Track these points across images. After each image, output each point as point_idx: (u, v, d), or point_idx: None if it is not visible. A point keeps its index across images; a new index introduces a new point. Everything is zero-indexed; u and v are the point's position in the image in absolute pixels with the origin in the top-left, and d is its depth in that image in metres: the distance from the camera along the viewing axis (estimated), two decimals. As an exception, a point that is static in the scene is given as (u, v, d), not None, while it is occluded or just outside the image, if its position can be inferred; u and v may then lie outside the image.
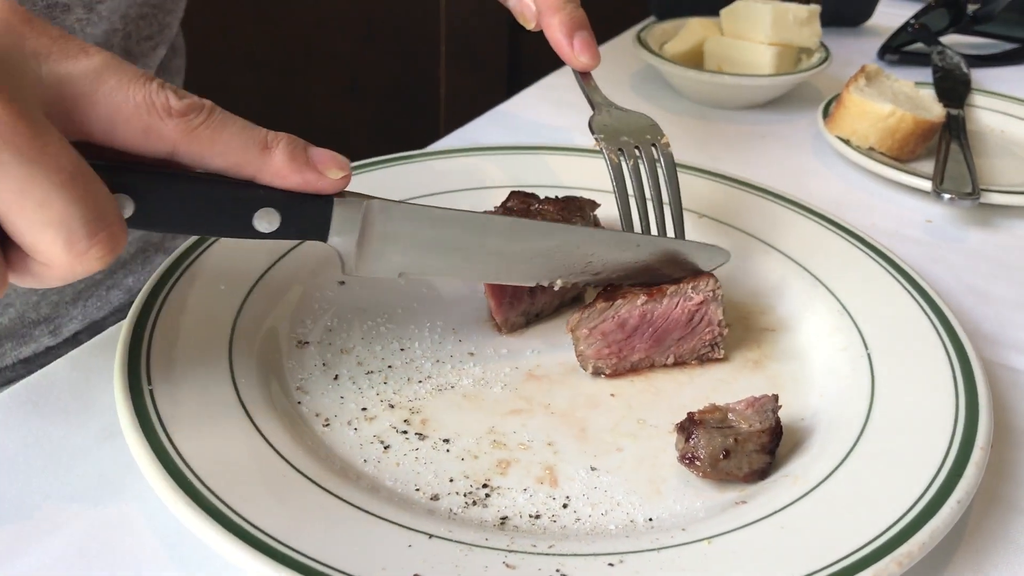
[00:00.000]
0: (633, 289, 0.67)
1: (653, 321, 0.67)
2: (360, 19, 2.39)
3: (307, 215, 0.56)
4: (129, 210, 0.50)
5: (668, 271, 0.69)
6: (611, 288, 0.67)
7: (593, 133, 0.72)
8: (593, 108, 0.74)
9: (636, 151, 0.71)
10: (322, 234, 0.57)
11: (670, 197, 0.70)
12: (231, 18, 2.22)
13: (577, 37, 0.72)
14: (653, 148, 0.71)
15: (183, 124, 0.49)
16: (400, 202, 0.60)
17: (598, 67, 0.75)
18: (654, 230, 0.70)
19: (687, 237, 0.71)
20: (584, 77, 0.76)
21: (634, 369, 0.68)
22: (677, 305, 0.67)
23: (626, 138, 0.72)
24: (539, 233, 0.64)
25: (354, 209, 0.57)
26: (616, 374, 0.68)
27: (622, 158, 0.70)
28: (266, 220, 0.54)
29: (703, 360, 0.69)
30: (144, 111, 0.48)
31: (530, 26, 0.75)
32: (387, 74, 2.48)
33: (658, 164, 0.71)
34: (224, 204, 0.53)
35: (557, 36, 0.72)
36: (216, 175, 0.52)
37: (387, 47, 2.44)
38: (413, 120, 2.50)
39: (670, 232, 0.70)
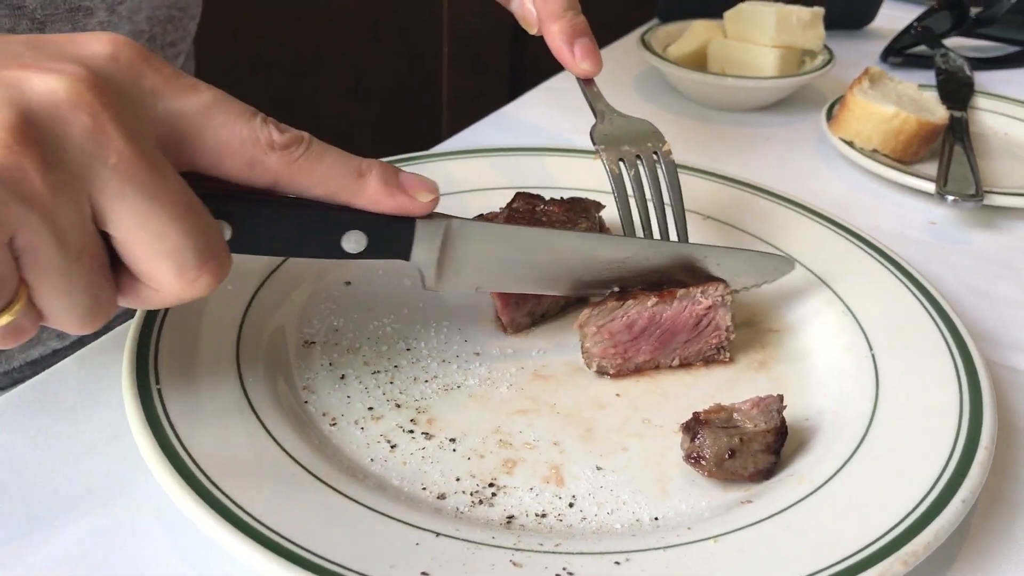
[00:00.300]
0: (644, 291, 0.67)
1: (661, 323, 0.67)
2: (366, 21, 2.40)
3: (392, 236, 0.59)
4: (228, 235, 0.53)
5: (739, 280, 0.71)
6: (623, 289, 0.68)
7: (595, 144, 0.72)
8: (596, 115, 0.74)
9: (637, 160, 0.71)
10: (405, 253, 0.60)
11: (672, 204, 0.70)
12: (238, 20, 2.23)
13: (578, 44, 0.73)
14: (655, 156, 0.71)
15: (285, 157, 0.52)
16: (476, 221, 0.63)
17: (601, 72, 0.75)
18: (656, 237, 0.70)
19: (691, 239, 0.71)
20: (587, 83, 0.76)
21: (638, 370, 0.68)
22: (686, 308, 0.67)
23: (627, 147, 0.71)
24: (611, 246, 0.66)
25: (435, 229, 0.60)
26: (620, 375, 0.68)
27: (623, 168, 0.70)
28: (354, 241, 0.57)
29: (708, 362, 0.69)
30: (249, 145, 0.51)
31: (533, 31, 0.75)
32: (391, 76, 2.48)
33: (659, 170, 0.71)
34: (315, 228, 0.56)
35: (558, 43, 0.73)
36: (307, 200, 0.55)
37: (392, 49, 2.45)
38: (416, 122, 2.51)
39: (673, 238, 0.71)
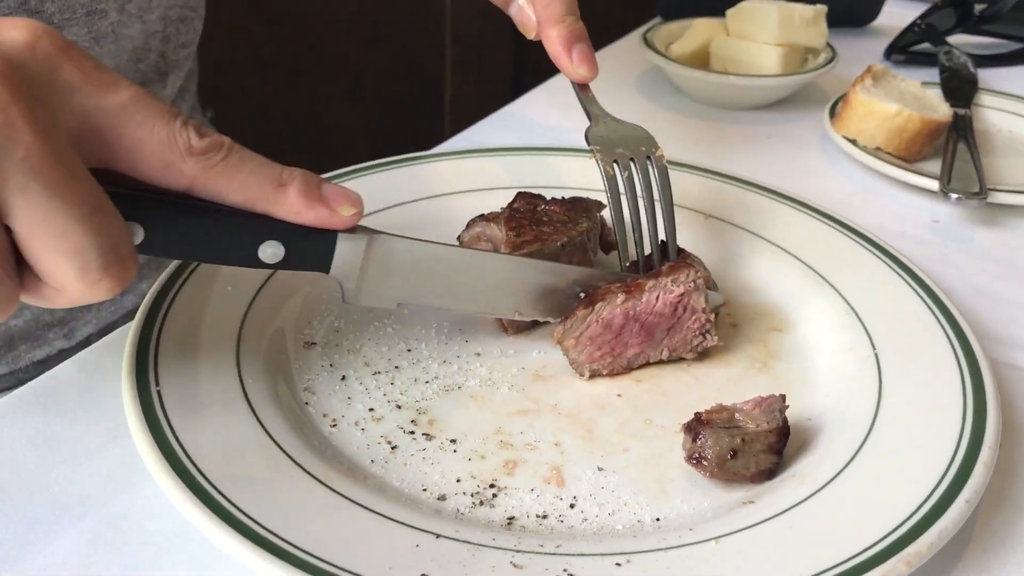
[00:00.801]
0: (612, 289, 0.67)
1: (637, 316, 0.66)
2: (365, 22, 2.39)
3: (311, 248, 0.58)
4: (139, 237, 0.52)
5: None
6: (589, 294, 0.67)
7: (589, 144, 0.72)
8: (590, 119, 0.75)
9: (631, 163, 0.71)
10: (325, 266, 0.59)
11: (663, 208, 0.70)
12: (237, 21, 2.23)
13: (576, 49, 0.73)
14: (648, 160, 0.71)
15: (202, 162, 0.51)
16: (402, 236, 0.62)
17: (598, 77, 0.75)
18: (647, 240, 0.70)
19: (691, 238, 0.71)
20: (582, 88, 0.77)
21: (631, 367, 0.68)
22: (658, 298, 0.67)
23: (621, 149, 0.71)
24: (540, 272, 0.66)
25: (357, 243, 0.59)
26: (614, 373, 0.68)
27: (617, 169, 0.70)
28: (270, 252, 0.56)
29: (698, 351, 0.69)
30: (166, 148, 0.50)
31: (531, 36, 0.76)
32: (392, 77, 2.48)
33: (652, 173, 0.71)
34: (230, 236, 0.55)
35: (556, 48, 0.73)
36: (224, 206, 0.54)
37: (392, 51, 2.45)
38: (417, 124, 2.50)
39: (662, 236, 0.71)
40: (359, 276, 0.61)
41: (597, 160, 0.71)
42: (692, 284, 0.67)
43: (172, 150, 0.50)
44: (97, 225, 0.46)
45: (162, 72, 0.84)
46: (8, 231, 0.45)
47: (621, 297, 0.66)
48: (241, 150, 0.53)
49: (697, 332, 0.68)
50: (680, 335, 0.68)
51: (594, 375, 0.67)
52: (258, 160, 0.53)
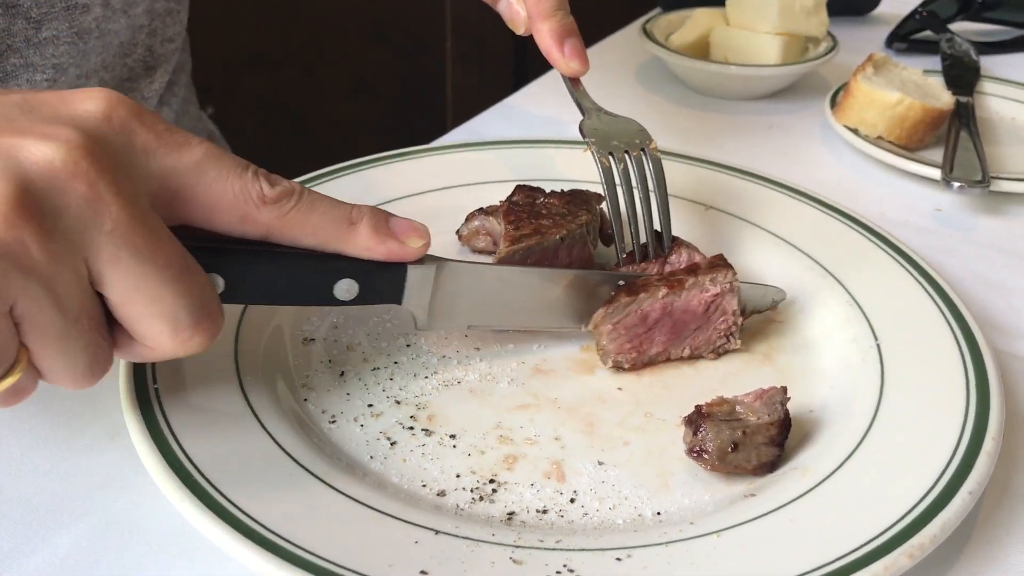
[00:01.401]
0: (652, 281, 0.67)
1: (672, 313, 0.66)
2: (368, 18, 2.39)
3: (384, 283, 0.60)
4: (220, 287, 0.54)
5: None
6: (630, 283, 0.67)
7: (584, 136, 0.72)
8: (583, 113, 0.75)
9: (626, 155, 0.71)
10: (397, 298, 0.61)
11: (659, 201, 0.70)
12: (240, 17, 2.22)
13: (567, 44, 0.73)
14: (642, 152, 0.71)
15: (276, 211, 0.52)
16: (465, 262, 0.64)
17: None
18: (642, 232, 0.70)
19: (692, 229, 0.71)
20: (574, 83, 0.77)
21: (651, 363, 0.68)
22: (695, 296, 0.66)
23: (616, 142, 0.72)
24: (598, 281, 0.67)
25: (426, 273, 0.61)
26: (634, 368, 0.67)
27: (612, 162, 0.70)
28: (345, 289, 0.58)
29: (719, 352, 0.68)
30: (241, 200, 0.51)
31: (520, 31, 0.76)
32: (394, 73, 2.47)
33: (646, 166, 0.71)
34: (306, 278, 0.57)
35: (547, 42, 0.73)
36: (298, 249, 0.55)
37: (395, 46, 2.44)
38: (420, 119, 2.50)
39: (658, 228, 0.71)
40: (430, 305, 0.62)
41: (592, 152, 0.70)
42: (728, 285, 0.67)
43: (247, 202, 0.51)
44: (185, 286, 0.48)
45: (149, 67, 0.84)
46: (101, 297, 0.47)
47: (663, 291, 0.66)
48: (311, 193, 0.54)
49: (723, 334, 0.68)
50: (705, 335, 0.68)
51: (616, 366, 0.67)
52: (328, 201, 0.55)
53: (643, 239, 0.70)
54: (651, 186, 0.70)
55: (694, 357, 0.68)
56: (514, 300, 0.66)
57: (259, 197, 0.51)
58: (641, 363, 0.67)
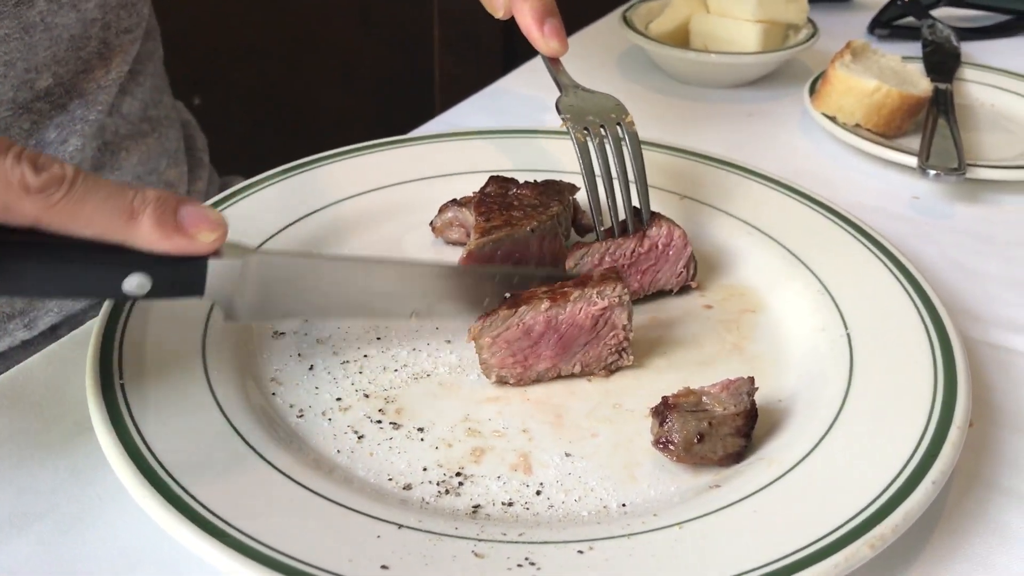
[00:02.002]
0: (537, 294, 0.64)
1: (558, 327, 0.64)
2: (355, 6, 2.38)
3: (180, 277, 0.54)
4: None
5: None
6: (515, 294, 0.65)
7: (560, 114, 0.72)
8: (560, 89, 0.75)
9: (602, 130, 0.71)
10: (198, 292, 0.56)
11: (636, 175, 0.70)
12: (227, 7, 2.21)
13: (547, 23, 0.74)
14: (619, 128, 0.72)
15: (41, 200, 0.48)
16: (282, 252, 0.59)
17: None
18: (620, 208, 0.70)
19: (667, 215, 0.71)
20: (553, 62, 0.78)
21: (539, 380, 0.65)
22: (582, 310, 0.64)
23: (592, 117, 0.72)
24: (429, 276, 0.65)
25: (230, 267, 0.56)
26: (522, 383, 0.65)
27: (588, 138, 0.70)
28: (136, 283, 0.52)
29: (611, 369, 0.66)
30: (1, 189, 0.47)
31: (499, 15, 0.76)
32: (382, 61, 2.46)
33: (623, 143, 0.71)
34: (89, 272, 0.52)
35: (528, 22, 0.74)
36: (80, 240, 0.50)
37: (382, 34, 2.43)
38: (408, 107, 2.49)
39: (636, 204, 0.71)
40: (238, 296, 0.58)
41: (568, 128, 0.71)
42: (617, 299, 0.64)
43: (8, 190, 0.47)
44: None
45: (104, 57, 0.83)
46: None
47: (546, 304, 0.63)
48: (87, 180, 0.49)
49: (613, 350, 0.66)
50: (596, 351, 0.65)
51: (500, 381, 0.65)
52: (106, 190, 0.50)
53: (621, 214, 0.70)
54: (628, 161, 0.70)
55: (586, 374, 0.66)
56: (340, 292, 0.62)
57: (20, 185, 0.47)
58: (528, 379, 0.65)
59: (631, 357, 0.66)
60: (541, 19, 0.73)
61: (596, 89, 0.75)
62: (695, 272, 0.73)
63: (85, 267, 0.51)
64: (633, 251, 0.71)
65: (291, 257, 0.60)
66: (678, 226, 0.72)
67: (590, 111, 0.73)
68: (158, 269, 0.53)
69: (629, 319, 0.65)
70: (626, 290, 0.64)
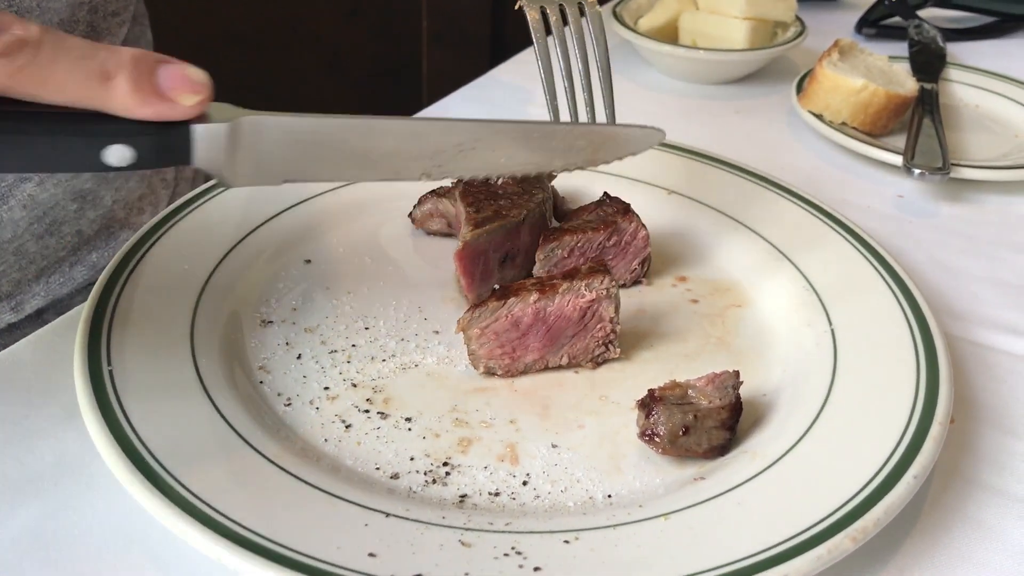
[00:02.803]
0: (526, 285, 0.65)
1: (546, 319, 0.64)
2: (343, -5, 2.37)
3: (163, 145, 0.51)
4: None
5: (598, 156, 0.63)
6: (504, 287, 0.65)
7: None
8: None
9: (560, 8, 0.66)
10: (184, 159, 0.52)
11: (599, 61, 0.65)
12: (211, -5, 2.20)
13: None
14: (580, 6, 0.67)
15: (7, 65, 0.44)
16: (274, 114, 0.55)
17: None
18: (582, 110, 0.66)
19: (653, 214, 0.71)
20: None
21: (527, 372, 0.66)
22: (570, 302, 0.64)
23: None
24: (437, 131, 0.59)
25: (216, 132, 0.52)
26: (509, 375, 0.65)
27: (546, 19, 0.66)
28: (118, 155, 0.49)
29: (598, 361, 0.67)
30: None
31: None
32: (369, 51, 2.46)
33: (586, 28, 0.67)
34: (66, 144, 0.48)
35: None
36: (58, 108, 0.47)
37: (369, 24, 2.43)
38: (395, 96, 2.49)
39: (600, 111, 0.66)
40: (228, 162, 0.53)
41: (523, 7, 0.66)
42: (604, 291, 0.65)
43: None
44: None
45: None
46: None
47: (535, 296, 0.64)
48: (55, 40, 0.46)
49: (601, 342, 0.66)
50: (583, 343, 0.66)
51: (488, 372, 0.65)
52: (77, 51, 0.46)
53: (579, 103, 0.66)
54: (590, 49, 0.66)
55: (573, 366, 0.66)
56: (341, 151, 0.58)
57: None
58: (516, 370, 0.65)
59: (618, 350, 0.67)
60: None
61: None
62: (647, 270, 0.74)
63: (62, 138, 0.48)
64: (599, 244, 0.72)
65: (286, 117, 0.56)
66: (644, 227, 0.73)
67: None
68: (140, 138, 0.49)
69: (616, 312, 0.65)
70: (614, 283, 0.65)
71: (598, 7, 0.67)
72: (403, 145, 0.58)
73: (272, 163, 0.56)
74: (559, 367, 0.66)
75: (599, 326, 0.65)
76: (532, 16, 0.65)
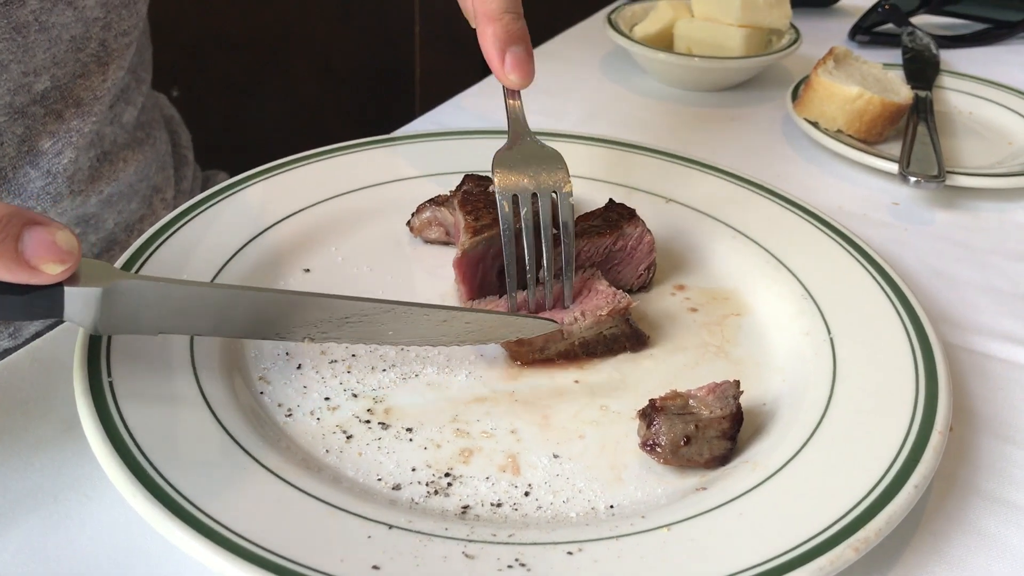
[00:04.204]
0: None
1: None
2: (335, 0, 2.37)
3: (33, 304, 0.52)
4: None
5: (487, 337, 0.65)
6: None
7: (492, 169, 0.68)
8: (508, 136, 0.71)
9: (533, 198, 0.67)
10: (57, 315, 0.53)
11: (564, 245, 0.67)
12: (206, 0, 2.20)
13: (510, 53, 0.67)
14: (554, 195, 0.67)
15: None
16: (147, 278, 0.55)
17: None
18: (544, 277, 0.68)
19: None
20: (511, 94, 0.72)
21: None
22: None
23: (525, 181, 0.68)
24: (322, 307, 0.60)
25: (88, 295, 0.53)
26: None
27: (513, 206, 0.66)
28: None
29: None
30: None
31: (473, 25, 0.71)
32: (362, 56, 2.46)
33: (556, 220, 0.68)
34: None
35: (489, 49, 0.68)
36: None
37: (362, 28, 2.42)
38: (389, 102, 2.49)
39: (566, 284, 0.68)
40: (102, 318, 0.54)
41: (495, 191, 0.67)
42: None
43: None
44: None
45: (103, 62, 0.82)
46: None
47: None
48: None
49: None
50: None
51: None
52: None
53: (542, 289, 0.68)
54: (561, 231, 0.67)
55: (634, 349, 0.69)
56: (213, 315, 0.58)
57: None
58: None
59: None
60: (504, 47, 0.67)
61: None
62: (653, 275, 0.75)
63: None
64: (606, 248, 0.73)
65: (162, 284, 0.56)
66: (650, 232, 0.74)
67: (526, 171, 0.68)
68: (6, 296, 0.50)
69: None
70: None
71: (570, 192, 0.67)
72: (287, 314, 0.60)
73: (148, 321, 0.56)
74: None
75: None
76: (503, 206, 0.66)
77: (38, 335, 0.84)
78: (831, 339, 0.67)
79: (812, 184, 0.97)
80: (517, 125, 0.72)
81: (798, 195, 0.84)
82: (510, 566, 0.50)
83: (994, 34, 1.35)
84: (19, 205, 0.73)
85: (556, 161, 0.69)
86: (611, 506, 0.56)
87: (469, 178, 0.77)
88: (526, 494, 0.57)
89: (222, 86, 2.28)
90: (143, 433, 0.55)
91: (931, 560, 0.56)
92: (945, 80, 1.15)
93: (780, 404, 0.64)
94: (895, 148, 0.98)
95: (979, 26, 1.36)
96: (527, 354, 0.67)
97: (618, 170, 0.87)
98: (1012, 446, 0.64)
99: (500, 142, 0.87)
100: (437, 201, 0.78)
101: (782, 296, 0.73)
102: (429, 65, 2.47)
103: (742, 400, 0.60)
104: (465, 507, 0.56)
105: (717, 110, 1.13)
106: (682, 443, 0.58)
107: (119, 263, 0.67)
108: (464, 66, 2.39)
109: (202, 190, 0.93)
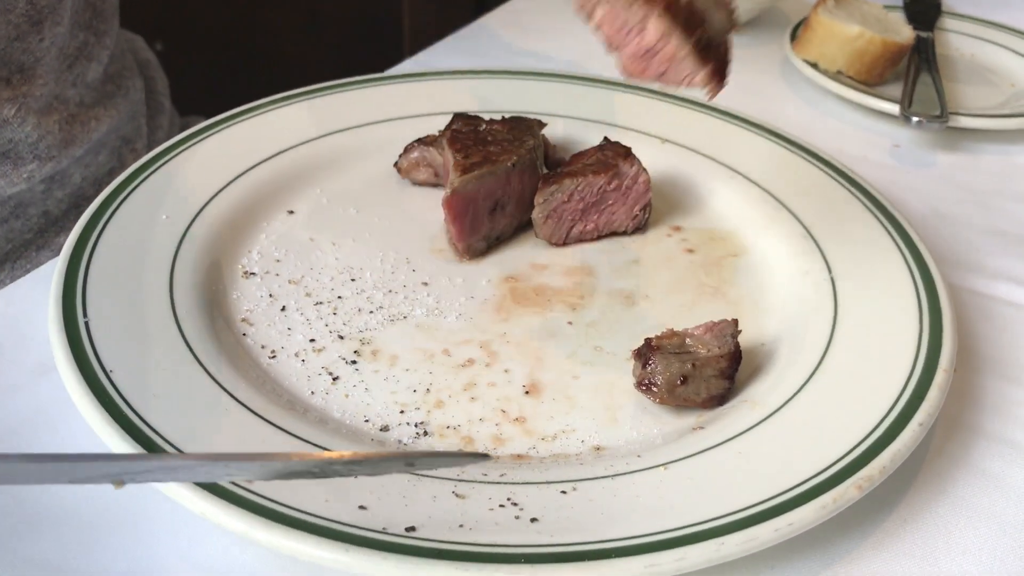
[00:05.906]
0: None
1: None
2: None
3: None
4: None
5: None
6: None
7: None
8: None
9: None
10: None
11: None
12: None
13: None
14: None
15: None
16: None
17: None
18: None
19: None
20: None
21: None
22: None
23: None
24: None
25: None
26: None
27: None
28: None
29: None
30: None
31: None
32: (348, 3, 2.41)
33: None
34: None
35: None
36: None
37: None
38: (376, 51, 2.44)
39: None
40: None
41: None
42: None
43: None
44: None
45: (35, 21, 0.78)
46: None
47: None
48: None
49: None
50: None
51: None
52: None
53: None
54: None
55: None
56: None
57: None
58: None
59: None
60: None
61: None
62: (649, 216, 0.73)
63: None
64: (600, 188, 0.71)
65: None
66: (646, 171, 0.72)
67: None
68: None
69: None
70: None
71: None
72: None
73: None
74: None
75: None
76: None
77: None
78: (832, 278, 0.65)
79: (812, 127, 0.94)
80: None
81: (796, 136, 0.81)
82: (502, 505, 0.48)
83: (996, -23, 1.32)
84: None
85: None
86: (605, 446, 0.55)
87: (458, 117, 0.74)
88: (519, 435, 0.55)
89: (205, 37, 2.24)
90: (122, 376, 0.53)
91: (935, 500, 0.54)
92: (947, 22, 1.12)
93: (779, 344, 0.62)
94: (896, 90, 0.95)
95: (981, -31, 1.33)
96: None
97: (613, 110, 0.84)
98: (1016, 387, 0.63)
99: (490, 83, 0.84)
100: (425, 141, 0.75)
101: (781, 236, 0.71)
102: (417, 13, 2.43)
103: (740, 340, 0.58)
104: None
105: (713, 53, 1.10)
106: (678, 382, 0.56)
107: (87, 214, 0.64)
108: (453, 14, 2.35)
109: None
